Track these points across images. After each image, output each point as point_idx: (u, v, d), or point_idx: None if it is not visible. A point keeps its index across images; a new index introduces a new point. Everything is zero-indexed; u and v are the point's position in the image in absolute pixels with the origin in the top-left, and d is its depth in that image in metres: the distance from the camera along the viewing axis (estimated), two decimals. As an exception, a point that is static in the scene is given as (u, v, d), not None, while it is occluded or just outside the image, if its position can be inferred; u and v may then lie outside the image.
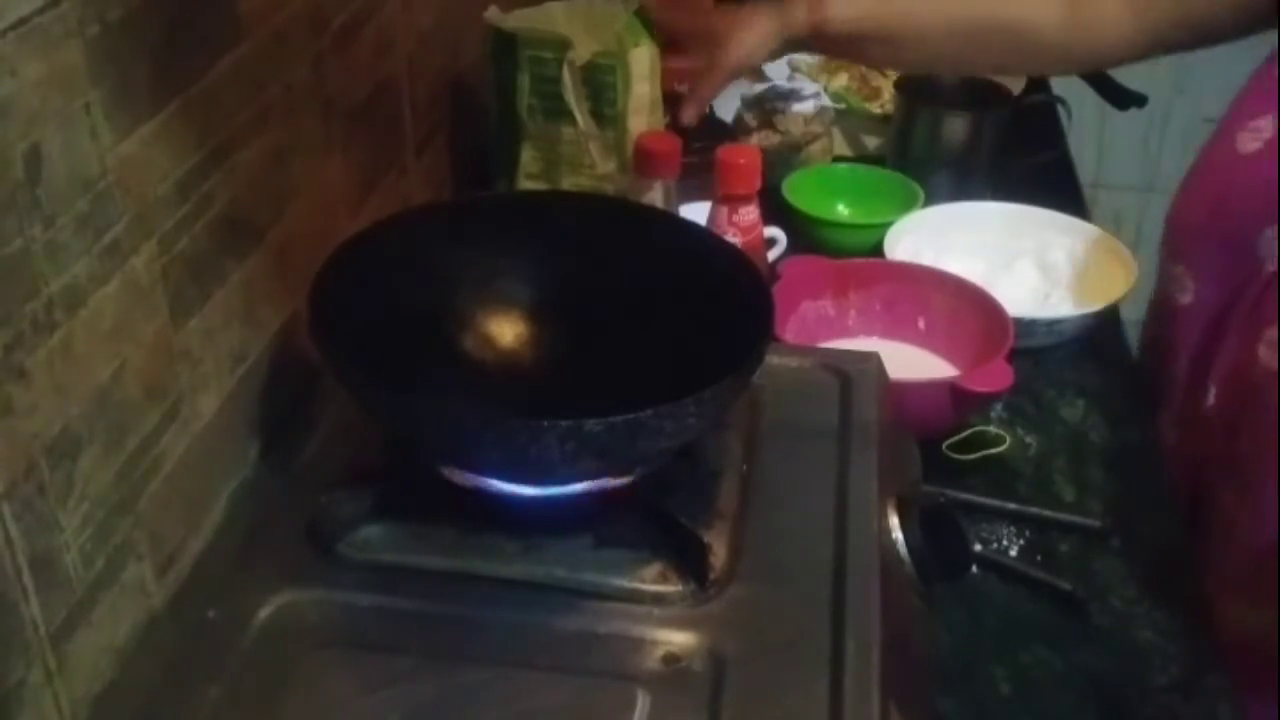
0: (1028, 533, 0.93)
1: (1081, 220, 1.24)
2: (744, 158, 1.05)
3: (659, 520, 0.70)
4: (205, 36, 0.70)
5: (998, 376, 0.95)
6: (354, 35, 0.91)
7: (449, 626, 0.66)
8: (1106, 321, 1.13)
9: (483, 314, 0.82)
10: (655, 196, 1.03)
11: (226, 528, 0.75)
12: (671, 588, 0.68)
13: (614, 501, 0.71)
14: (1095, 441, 1.03)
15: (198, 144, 0.69)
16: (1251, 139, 0.93)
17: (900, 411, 0.85)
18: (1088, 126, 2.07)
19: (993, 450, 0.98)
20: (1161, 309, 1.07)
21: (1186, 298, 1.00)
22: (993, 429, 0.99)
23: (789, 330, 1.05)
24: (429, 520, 0.71)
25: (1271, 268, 0.92)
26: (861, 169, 1.33)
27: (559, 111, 1.14)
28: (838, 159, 1.37)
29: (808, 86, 1.36)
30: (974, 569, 0.88)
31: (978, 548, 0.91)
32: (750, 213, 1.05)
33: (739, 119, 1.35)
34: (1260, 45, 2.23)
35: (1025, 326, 1.05)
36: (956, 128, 1.30)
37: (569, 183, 1.17)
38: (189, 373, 0.71)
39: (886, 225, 1.20)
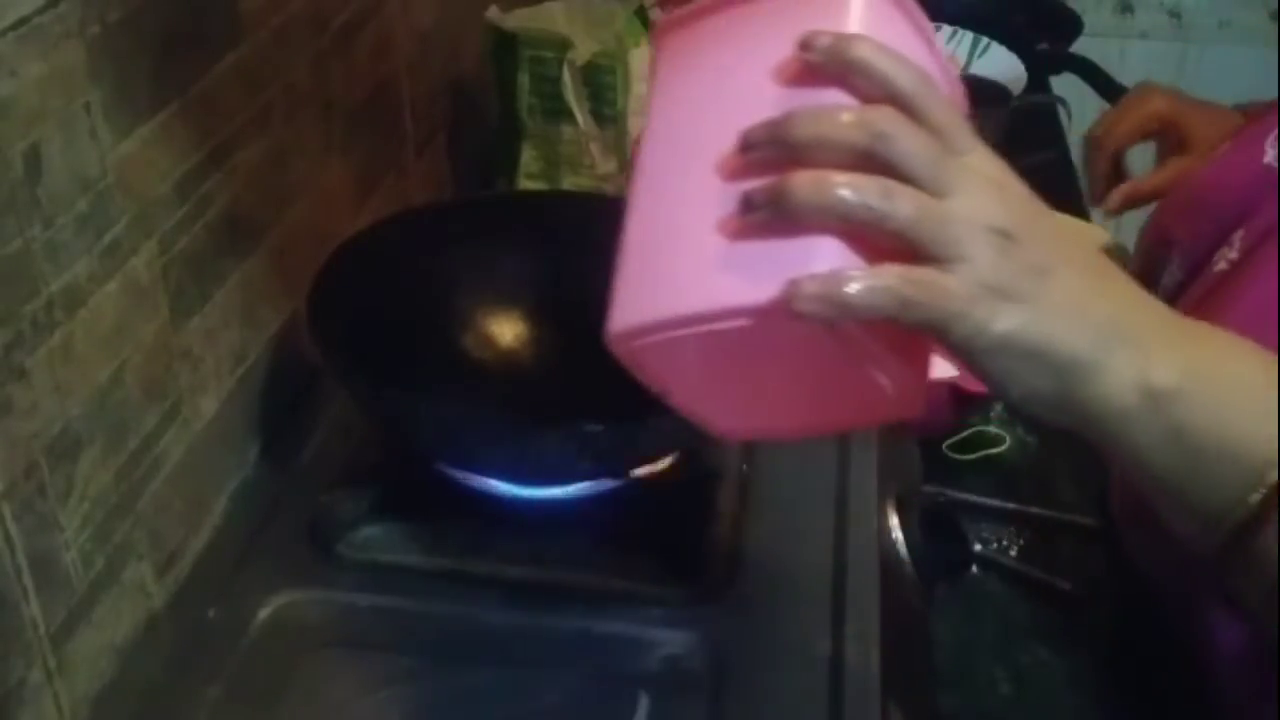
0: (1028, 533, 0.93)
1: (1081, 220, 1.24)
2: (744, 158, 1.05)
3: (659, 520, 0.70)
4: (205, 36, 0.70)
5: (998, 376, 0.95)
6: (354, 35, 0.91)
7: (449, 626, 0.66)
8: (1107, 321, 1.13)
9: (483, 314, 0.82)
10: (655, 196, 1.02)
11: (226, 528, 0.75)
12: (671, 588, 0.68)
13: (614, 501, 0.71)
14: (1095, 441, 1.02)
15: (198, 144, 0.69)
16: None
17: (900, 411, 0.85)
18: (1088, 126, 2.07)
19: (993, 450, 0.98)
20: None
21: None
22: (993, 429, 0.99)
23: (789, 330, 1.04)
24: (429, 520, 0.71)
25: None
26: (861, 169, 1.33)
27: (559, 111, 1.14)
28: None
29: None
30: (974, 569, 0.88)
31: (978, 548, 0.91)
32: (750, 213, 1.04)
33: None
34: (1258, 50, 2.22)
35: (1025, 326, 1.05)
36: (956, 128, 1.30)
37: (569, 183, 1.16)
38: (189, 373, 0.71)
39: (886, 225, 1.20)
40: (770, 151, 0.49)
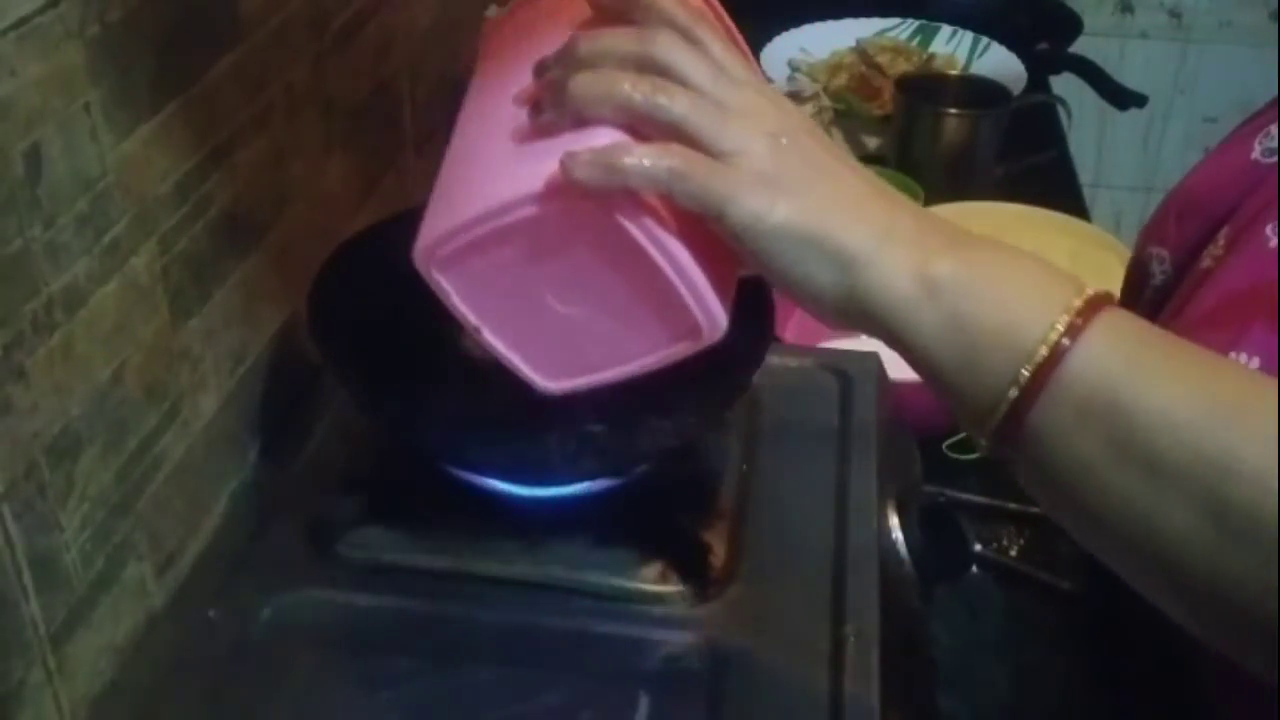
0: (1028, 533, 0.93)
1: (1081, 220, 1.24)
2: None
3: (659, 520, 0.70)
4: (205, 36, 0.70)
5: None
6: (354, 35, 0.91)
7: (449, 626, 0.66)
8: (1106, 321, 1.13)
9: (483, 314, 0.81)
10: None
11: (226, 528, 0.75)
12: (671, 588, 0.68)
13: (614, 501, 0.71)
14: (1095, 441, 1.02)
15: (198, 144, 0.69)
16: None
17: (900, 411, 0.85)
18: (1088, 126, 2.07)
19: (993, 450, 0.98)
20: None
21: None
22: (993, 429, 0.99)
23: (789, 330, 1.05)
24: (429, 520, 0.71)
25: None
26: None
27: (559, 111, 1.14)
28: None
29: (807, 87, 1.36)
30: (974, 569, 0.88)
31: (978, 548, 0.91)
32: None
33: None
34: (1258, 50, 2.22)
35: (1025, 326, 1.05)
36: (956, 128, 1.30)
37: (569, 183, 1.16)
38: (189, 373, 0.71)
39: (886, 225, 1.20)
40: (558, 72, 0.53)
